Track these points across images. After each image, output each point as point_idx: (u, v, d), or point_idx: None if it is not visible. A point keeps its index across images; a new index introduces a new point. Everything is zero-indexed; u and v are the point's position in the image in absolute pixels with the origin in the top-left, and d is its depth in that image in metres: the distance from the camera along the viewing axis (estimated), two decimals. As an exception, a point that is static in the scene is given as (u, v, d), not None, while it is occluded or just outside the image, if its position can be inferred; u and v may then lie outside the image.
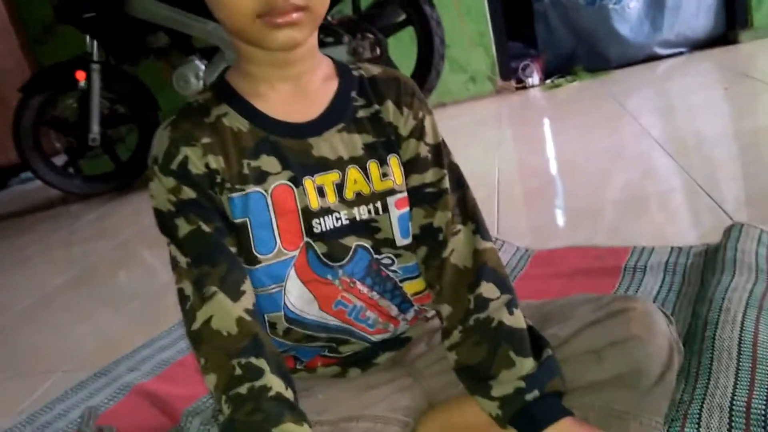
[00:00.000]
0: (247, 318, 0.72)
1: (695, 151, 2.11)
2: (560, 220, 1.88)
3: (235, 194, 0.74)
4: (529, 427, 0.72)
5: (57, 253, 2.84)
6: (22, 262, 2.74)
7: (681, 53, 3.67)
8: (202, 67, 3.27)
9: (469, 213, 0.82)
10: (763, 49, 3.43)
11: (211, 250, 0.73)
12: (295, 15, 0.69)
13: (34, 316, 2.07)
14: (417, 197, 0.81)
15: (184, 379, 1.35)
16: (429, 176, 0.80)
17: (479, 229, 0.82)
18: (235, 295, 0.73)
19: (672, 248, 1.32)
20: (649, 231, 1.54)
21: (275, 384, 0.70)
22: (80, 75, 3.34)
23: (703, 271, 1.19)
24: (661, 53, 3.66)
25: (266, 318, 0.79)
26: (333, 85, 0.79)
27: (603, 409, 0.74)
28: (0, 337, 1.95)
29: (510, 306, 0.77)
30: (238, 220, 0.75)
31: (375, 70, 0.83)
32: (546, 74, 3.75)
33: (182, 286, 0.74)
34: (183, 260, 0.74)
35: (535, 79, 3.73)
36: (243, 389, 0.69)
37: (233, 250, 0.75)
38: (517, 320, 0.76)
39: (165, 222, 0.75)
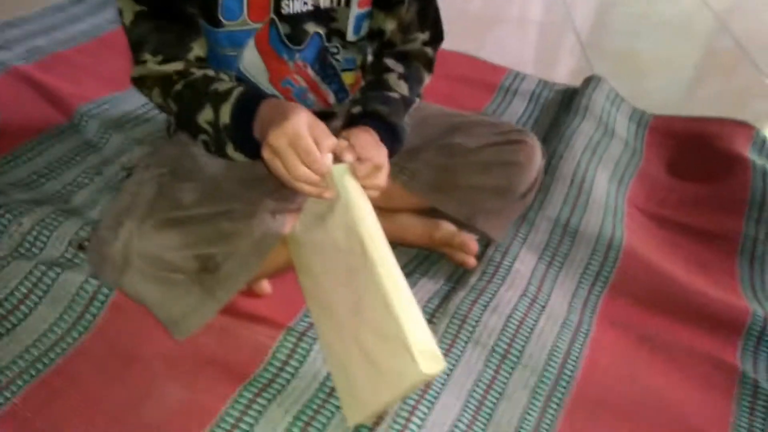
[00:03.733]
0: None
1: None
2: (454, 23, 1.99)
3: None
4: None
5: None
6: None
7: None
8: None
9: (428, 23, 0.93)
10: None
11: (170, 7, 0.77)
12: None
13: None
14: (379, 1, 0.88)
15: (70, 75, 1.33)
16: None
17: (433, 38, 0.94)
18: (179, 54, 0.79)
19: (539, 80, 1.55)
20: (523, 57, 1.74)
21: (203, 73, 0.79)
22: None
23: (558, 108, 1.44)
24: None
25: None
26: None
27: (476, 205, 0.97)
28: None
29: (401, 78, 0.90)
30: None
31: None
32: None
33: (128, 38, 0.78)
34: (137, 8, 0.76)
35: None
36: (179, 86, 0.79)
37: (192, 11, 0.79)
38: (399, 87, 0.89)
39: None
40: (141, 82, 0.82)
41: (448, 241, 0.98)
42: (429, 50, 0.96)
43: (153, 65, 0.79)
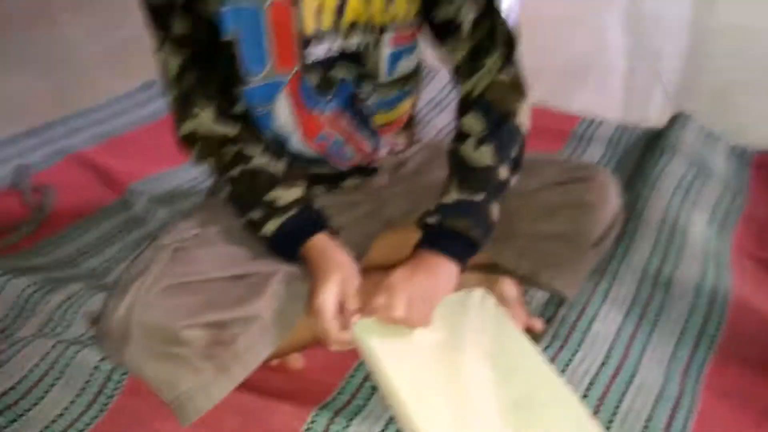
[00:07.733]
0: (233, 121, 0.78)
1: (657, 33, 2.13)
2: (540, 76, 1.90)
3: (226, 7, 0.69)
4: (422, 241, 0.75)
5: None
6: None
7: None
8: None
9: (497, 40, 0.78)
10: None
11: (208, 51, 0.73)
12: None
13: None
14: (442, 32, 0.78)
15: (127, 155, 1.34)
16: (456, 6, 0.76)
17: (508, 55, 0.79)
18: (228, 106, 0.77)
19: (618, 125, 1.40)
20: (597, 102, 1.60)
21: (263, 163, 0.76)
22: None
23: (643, 150, 1.28)
24: None
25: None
26: None
27: (540, 257, 0.82)
28: None
29: (481, 142, 0.76)
30: (228, 37, 0.71)
31: None
32: None
33: (173, 93, 0.76)
34: (177, 61, 0.73)
35: None
36: (236, 172, 0.76)
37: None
38: (479, 157, 0.76)
39: (159, 17, 0.72)
40: (191, 141, 0.77)
41: (504, 304, 0.83)
42: (504, 77, 0.78)
43: (206, 120, 0.76)
